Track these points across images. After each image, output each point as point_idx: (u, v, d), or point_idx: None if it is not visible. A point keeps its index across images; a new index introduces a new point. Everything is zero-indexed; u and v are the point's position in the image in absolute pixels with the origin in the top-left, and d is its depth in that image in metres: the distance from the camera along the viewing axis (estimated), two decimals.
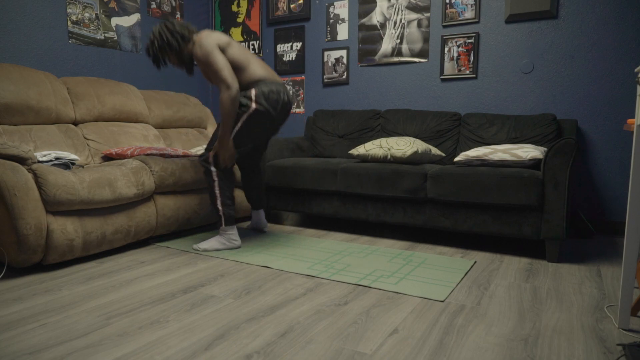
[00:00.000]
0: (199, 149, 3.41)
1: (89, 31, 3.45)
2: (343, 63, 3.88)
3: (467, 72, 3.38)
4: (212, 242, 2.52)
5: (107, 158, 2.96)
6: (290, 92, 2.34)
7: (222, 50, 2.45)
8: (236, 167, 3.15)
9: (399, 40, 3.63)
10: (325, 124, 3.70)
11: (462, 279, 2.08)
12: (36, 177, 2.08)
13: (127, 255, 2.44)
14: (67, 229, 2.15)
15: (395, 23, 3.63)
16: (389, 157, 2.83)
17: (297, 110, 4.16)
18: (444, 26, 3.45)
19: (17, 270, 2.18)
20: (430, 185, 2.60)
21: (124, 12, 3.70)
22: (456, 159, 2.69)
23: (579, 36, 3.04)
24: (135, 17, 3.79)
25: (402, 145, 2.80)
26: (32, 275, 2.09)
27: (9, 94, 2.60)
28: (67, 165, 2.37)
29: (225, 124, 2.37)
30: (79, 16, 3.38)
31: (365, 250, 2.56)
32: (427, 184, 2.63)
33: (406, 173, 2.67)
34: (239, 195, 3.25)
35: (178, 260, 2.36)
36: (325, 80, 3.97)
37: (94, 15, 3.48)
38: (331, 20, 3.91)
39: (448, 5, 3.41)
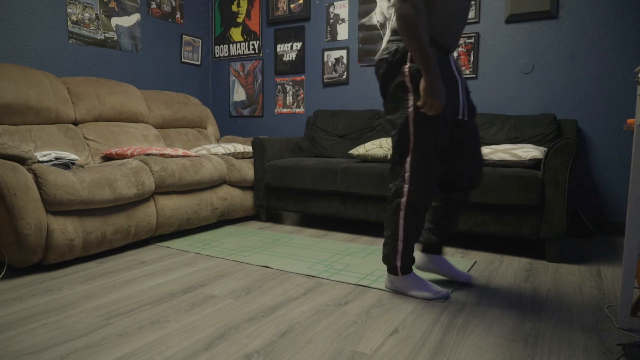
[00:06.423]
0: (199, 149, 3.40)
1: (89, 31, 3.45)
2: (343, 63, 3.88)
3: (467, 72, 3.38)
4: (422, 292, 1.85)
5: (107, 158, 2.96)
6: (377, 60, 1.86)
7: None
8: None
9: None
10: (325, 124, 3.70)
11: None
12: (36, 177, 2.08)
13: (127, 255, 2.44)
14: (67, 229, 2.15)
15: None
16: (389, 157, 2.83)
17: (297, 110, 4.17)
18: None
19: (17, 270, 2.17)
20: None
21: (124, 12, 3.70)
22: None
23: (579, 36, 3.04)
24: (135, 17, 3.79)
25: None
26: (32, 275, 2.09)
27: (9, 94, 2.60)
28: (67, 165, 2.37)
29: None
30: (79, 16, 3.38)
31: (365, 250, 2.56)
32: None
33: None
34: (239, 195, 3.25)
35: (178, 260, 2.36)
36: (325, 80, 3.97)
37: (94, 15, 3.48)
38: (331, 20, 3.91)
39: None
